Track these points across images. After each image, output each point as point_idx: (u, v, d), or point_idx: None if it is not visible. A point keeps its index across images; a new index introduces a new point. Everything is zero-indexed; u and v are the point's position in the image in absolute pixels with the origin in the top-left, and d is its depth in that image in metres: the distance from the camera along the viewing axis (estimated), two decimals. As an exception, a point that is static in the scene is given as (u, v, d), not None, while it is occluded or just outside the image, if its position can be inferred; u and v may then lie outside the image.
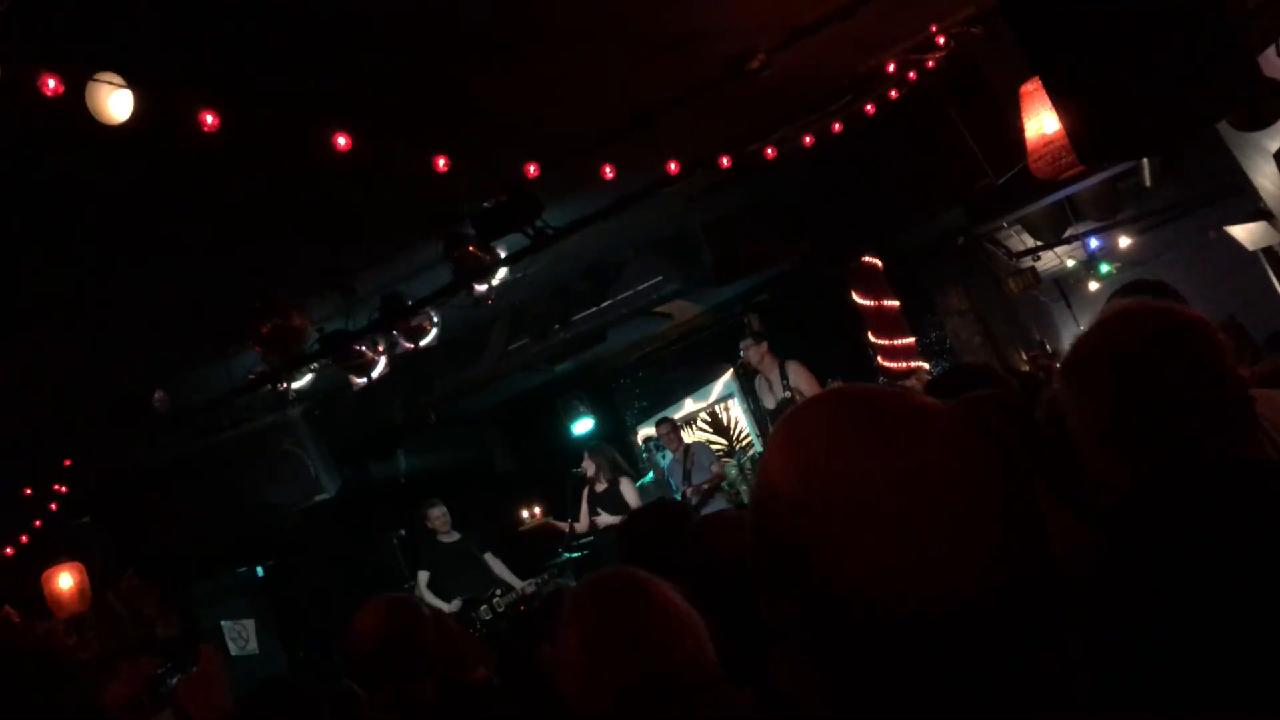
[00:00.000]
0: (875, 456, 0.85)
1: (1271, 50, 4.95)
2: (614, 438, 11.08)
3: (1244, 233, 10.20)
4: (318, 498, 7.38)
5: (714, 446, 11.36)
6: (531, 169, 4.91)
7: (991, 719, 0.82)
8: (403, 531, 9.21)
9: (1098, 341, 1.74)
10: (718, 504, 9.27)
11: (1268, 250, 10.91)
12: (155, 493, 7.42)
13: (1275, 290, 10.99)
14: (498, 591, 8.76)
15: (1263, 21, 5.01)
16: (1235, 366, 1.65)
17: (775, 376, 9.00)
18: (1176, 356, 1.61)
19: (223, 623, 8.09)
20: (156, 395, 6.20)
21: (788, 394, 8.79)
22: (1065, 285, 11.98)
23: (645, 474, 10.39)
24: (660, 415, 10.33)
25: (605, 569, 2.18)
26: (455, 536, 9.01)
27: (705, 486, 9.43)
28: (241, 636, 8.13)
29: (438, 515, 8.98)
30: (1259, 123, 5.56)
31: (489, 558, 9.10)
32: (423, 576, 8.94)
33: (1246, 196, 9.60)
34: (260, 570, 8.70)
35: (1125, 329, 1.71)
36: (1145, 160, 9.03)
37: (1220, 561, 1.43)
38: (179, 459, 7.29)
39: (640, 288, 8.58)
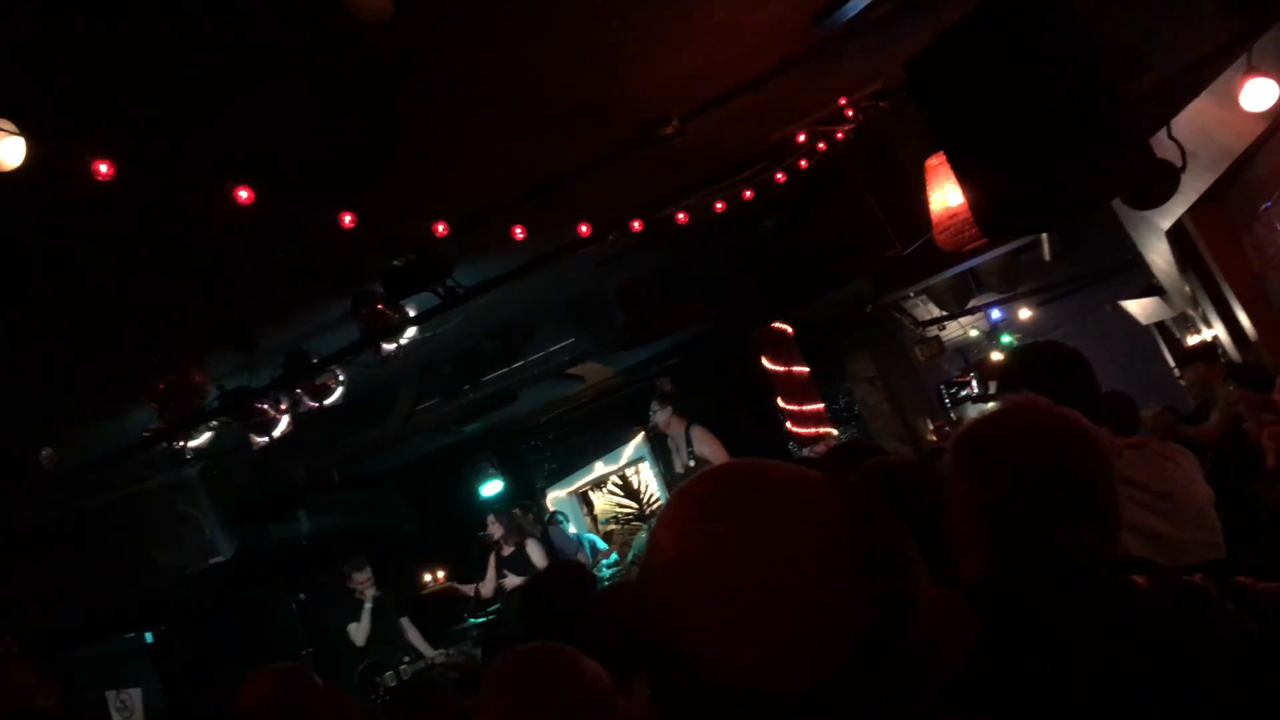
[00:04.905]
0: (729, 537, 0.86)
1: (1163, 132, 5.15)
2: (524, 500, 10.95)
3: (1138, 307, 10.57)
4: (212, 560, 7.12)
5: (624, 510, 11.30)
6: (440, 228, 4.87)
7: None
8: (302, 596, 8.94)
9: (994, 427, 1.84)
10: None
11: (1160, 324, 11.32)
12: (39, 554, 7.08)
13: (1167, 363, 11.38)
14: (405, 659, 8.55)
15: (1155, 105, 5.22)
16: (1111, 473, 1.76)
17: (682, 441, 9.00)
18: (1059, 460, 1.71)
19: (107, 692, 7.70)
20: (44, 453, 5.94)
21: (693, 462, 8.77)
22: (969, 355, 12.25)
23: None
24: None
25: (532, 643, 2.14)
26: (375, 595, 8.80)
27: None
28: (126, 706, 7.75)
29: (362, 579, 8.78)
30: (1152, 202, 5.78)
31: (404, 622, 8.90)
32: (354, 630, 8.73)
33: (1140, 272, 9.98)
34: (149, 636, 8.33)
35: (1021, 423, 1.80)
36: (1045, 235, 9.33)
37: (1050, 659, 1.52)
38: (66, 519, 6.98)
39: (552, 349, 8.54)
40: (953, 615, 1.55)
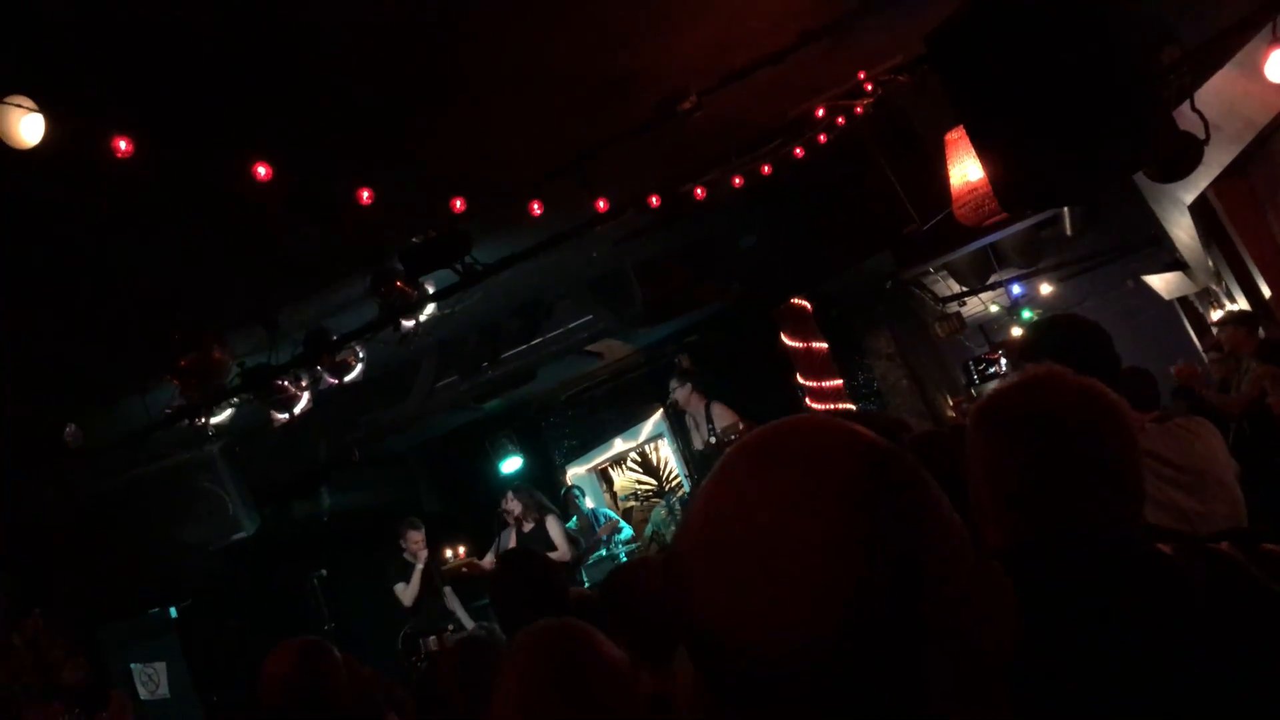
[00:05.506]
0: (733, 499, 0.86)
1: (1186, 105, 5.09)
2: (543, 477, 10.99)
3: (1161, 282, 10.51)
4: (235, 536, 7.18)
5: (643, 487, 11.32)
6: (458, 203, 4.87)
7: None
8: (324, 572, 9.01)
9: (1016, 396, 1.78)
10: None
11: (1183, 299, 11.25)
12: (64, 532, 7.16)
13: (1190, 338, 11.31)
14: (449, 626, 8.60)
15: (1178, 77, 5.16)
16: (1135, 442, 1.71)
17: (702, 418, 9.00)
18: (1082, 428, 1.67)
19: (132, 666, 7.80)
20: (68, 429, 5.99)
21: (713, 439, 8.77)
22: (989, 330, 12.20)
23: (569, 518, 10.33)
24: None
25: (543, 621, 2.14)
26: (425, 560, 8.86)
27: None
28: (152, 680, 7.85)
29: (417, 538, 8.82)
30: (1175, 175, 5.71)
31: (448, 590, 8.96)
32: (402, 590, 8.81)
33: (1163, 247, 9.91)
34: (173, 611, 8.42)
35: (1043, 391, 1.75)
36: (1066, 209, 9.26)
37: (1082, 631, 1.48)
38: (90, 496, 7.05)
39: (571, 326, 8.55)
40: (997, 592, 1.53)
